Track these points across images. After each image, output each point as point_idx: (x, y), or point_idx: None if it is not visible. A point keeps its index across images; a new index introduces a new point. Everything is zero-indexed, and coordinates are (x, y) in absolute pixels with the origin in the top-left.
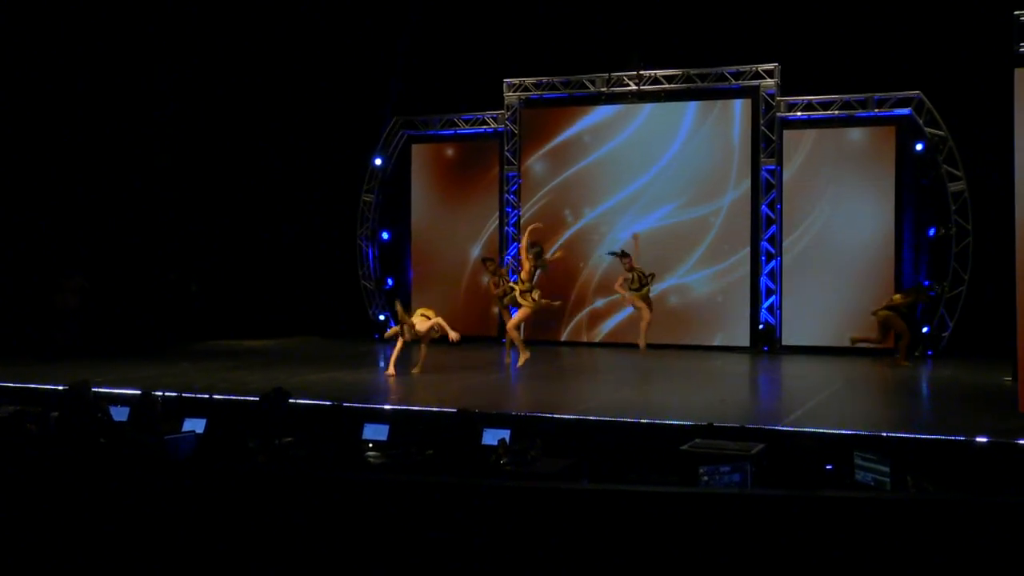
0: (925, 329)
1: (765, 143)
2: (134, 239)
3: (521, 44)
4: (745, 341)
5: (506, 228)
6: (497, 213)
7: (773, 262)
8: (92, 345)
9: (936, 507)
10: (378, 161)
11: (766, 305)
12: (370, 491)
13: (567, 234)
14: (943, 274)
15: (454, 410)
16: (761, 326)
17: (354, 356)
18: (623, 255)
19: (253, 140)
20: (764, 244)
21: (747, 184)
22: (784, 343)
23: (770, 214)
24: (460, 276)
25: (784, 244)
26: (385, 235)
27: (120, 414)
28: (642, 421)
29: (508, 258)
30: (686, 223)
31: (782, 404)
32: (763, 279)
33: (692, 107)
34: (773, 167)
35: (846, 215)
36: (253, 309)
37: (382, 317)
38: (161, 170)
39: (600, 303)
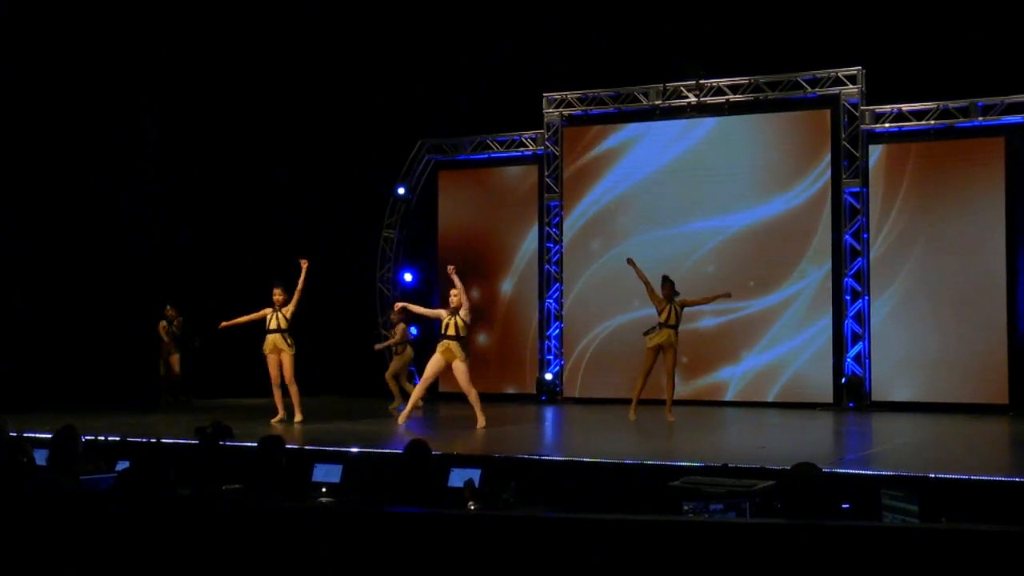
0: None
1: (848, 161)
2: (127, 289)
3: (562, 54)
4: (828, 396)
5: (547, 266)
6: (536, 248)
7: (860, 302)
8: (71, 396)
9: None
10: (401, 191)
11: (852, 354)
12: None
13: (598, 262)
14: None
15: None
16: (844, 379)
17: (358, 411)
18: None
19: (256, 166)
20: (849, 281)
21: (827, 210)
22: (874, 398)
23: (855, 245)
24: (494, 322)
25: (872, 281)
26: (408, 276)
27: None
28: (645, 463)
29: (550, 301)
30: (752, 256)
31: (832, 450)
32: (848, 322)
33: (761, 120)
34: (858, 189)
35: (946, 244)
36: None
37: None
38: (158, 217)
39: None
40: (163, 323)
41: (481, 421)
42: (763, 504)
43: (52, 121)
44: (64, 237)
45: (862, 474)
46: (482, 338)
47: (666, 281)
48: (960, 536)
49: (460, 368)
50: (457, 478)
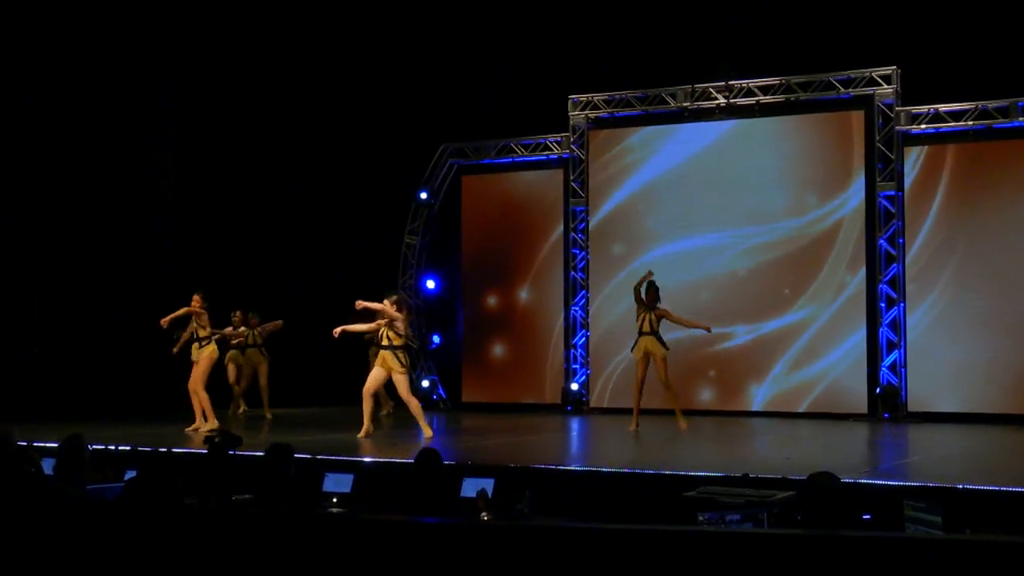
0: None
1: (882, 163)
2: (141, 297)
3: (587, 55)
4: (862, 407)
5: (572, 273)
6: (561, 254)
7: (895, 309)
8: (84, 406)
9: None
10: (423, 195)
11: (887, 363)
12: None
13: (623, 273)
14: None
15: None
16: (879, 389)
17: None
18: None
19: (276, 170)
20: (884, 287)
21: (860, 214)
22: (910, 409)
23: (890, 250)
24: (517, 330)
25: (908, 288)
26: (431, 283)
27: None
28: (664, 473)
29: (576, 308)
30: (784, 263)
31: (860, 461)
32: (883, 330)
33: (792, 122)
34: (893, 193)
35: (986, 250)
36: (288, 375)
37: (426, 383)
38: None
39: None
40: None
41: (428, 432)
42: (782, 515)
43: (68, 125)
44: (76, 244)
45: (885, 485)
46: (505, 346)
47: (651, 287)
48: (980, 547)
49: (397, 380)
50: (470, 488)
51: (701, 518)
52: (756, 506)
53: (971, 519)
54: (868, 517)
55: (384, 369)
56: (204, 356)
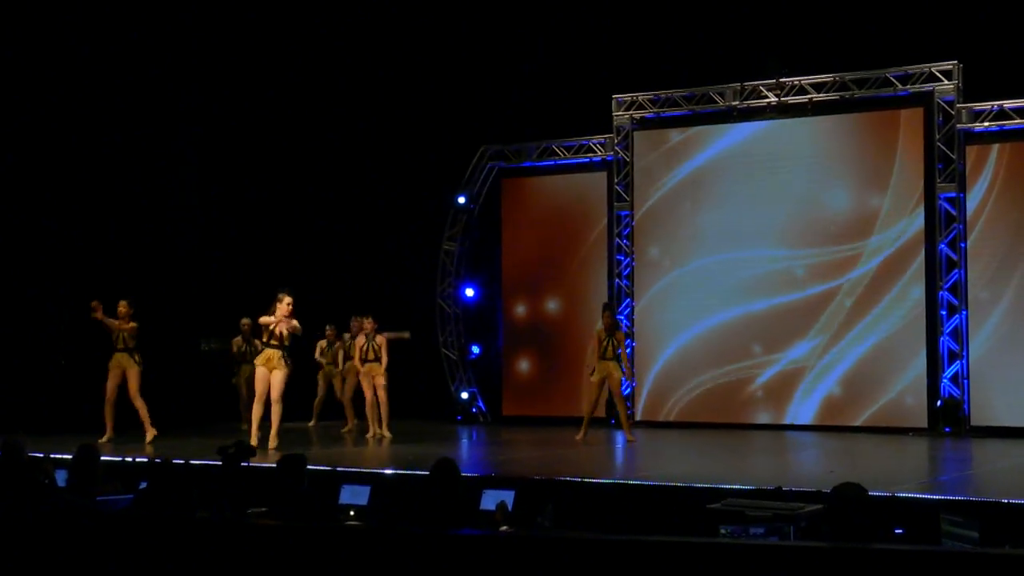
0: None
1: (943, 163)
2: (162, 310)
3: (632, 52)
4: (921, 421)
5: (616, 280)
6: (604, 260)
7: (957, 317)
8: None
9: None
10: (462, 200)
11: (948, 374)
12: None
13: (668, 279)
14: None
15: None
16: (940, 402)
17: (400, 433)
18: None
19: (310, 174)
20: (944, 295)
21: (920, 217)
22: (973, 423)
23: (951, 255)
24: (560, 340)
25: (971, 294)
26: (470, 291)
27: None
28: (692, 485)
29: (620, 317)
30: (840, 270)
31: (908, 474)
32: (944, 340)
33: (846, 121)
34: (954, 194)
35: None
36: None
37: (466, 395)
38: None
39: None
40: (238, 338)
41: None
42: (809, 528)
43: (95, 130)
44: (98, 256)
45: (920, 498)
46: (547, 357)
47: (605, 309)
48: (1014, 562)
49: (278, 376)
50: (490, 500)
51: (723, 531)
52: (783, 519)
53: (1014, 535)
54: (901, 531)
55: (267, 368)
56: (139, 367)
